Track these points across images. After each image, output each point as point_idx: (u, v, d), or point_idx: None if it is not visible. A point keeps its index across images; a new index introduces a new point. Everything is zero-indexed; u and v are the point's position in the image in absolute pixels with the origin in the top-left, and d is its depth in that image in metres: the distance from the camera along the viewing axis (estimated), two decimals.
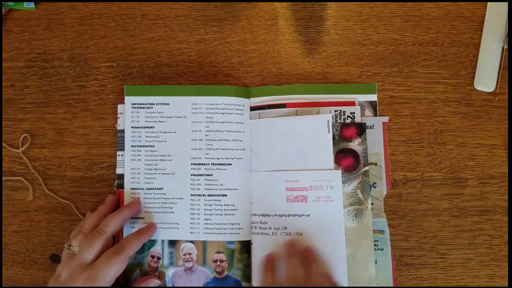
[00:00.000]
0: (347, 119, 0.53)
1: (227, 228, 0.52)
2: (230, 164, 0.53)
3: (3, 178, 0.55)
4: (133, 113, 0.54)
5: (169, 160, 0.53)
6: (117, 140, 0.54)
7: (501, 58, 0.55)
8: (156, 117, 0.54)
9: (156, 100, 0.54)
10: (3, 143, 0.55)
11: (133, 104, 0.54)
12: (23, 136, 0.55)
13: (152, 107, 0.54)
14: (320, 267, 0.48)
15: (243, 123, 0.54)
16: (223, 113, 0.53)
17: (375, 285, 0.50)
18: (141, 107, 0.54)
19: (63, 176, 0.54)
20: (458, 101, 0.54)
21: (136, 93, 0.54)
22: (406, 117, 0.54)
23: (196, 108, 0.54)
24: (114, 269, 0.46)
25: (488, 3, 0.56)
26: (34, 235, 0.54)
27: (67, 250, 0.47)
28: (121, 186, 0.53)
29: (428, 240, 0.52)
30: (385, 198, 0.52)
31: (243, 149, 0.53)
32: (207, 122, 0.53)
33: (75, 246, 0.47)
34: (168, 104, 0.54)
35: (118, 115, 0.55)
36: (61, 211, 0.54)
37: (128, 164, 0.53)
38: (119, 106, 0.55)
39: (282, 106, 0.54)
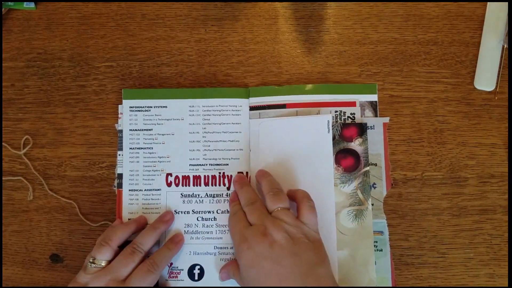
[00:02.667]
0: (347, 119, 0.53)
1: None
2: (227, 165, 0.53)
3: (3, 178, 0.55)
4: (131, 115, 0.54)
5: (167, 161, 0.53)
6: (118, 140, 0.54)
7: (501, 57, 0.54)
8: (154, 119, 0.54)
9: (154, 103, 0.54)
10: (4, 144, 0.55)
11: (131, 107, 0.54)
12: (25, 137, 0.55)
13: (150, 110, 0.54)
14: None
15: (240, 123, 0.54)
16: (220, 115, 0.54)
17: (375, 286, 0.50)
18: (139, 110, 0.54)
19: (63, 176, 0.55)
20: (458, 100, 0.54)
21: (133, 96, 0.54)
22: (406, 116, 0.54)
23: (193, 111, 0.54)
24: (147, 284, 0.46)
25: (488, 2, 0.55)
26: (34, 235, 0.54)
27: (91, 264, 0.46)
28: (121, 185, 0.53)
29: (428, 239, 0.52)
30: (385, 198, 0.52)
31: (240, 149, 0.53)
32: (204, 124, 0.53)
33: (101, 260, 0.46)
34: (165, 107, 0.54)
35: (119, 115, 0.55)
36: (61, 211, 0.54)
37: (126, 166, 0.53)
38: (120, 107, 0.55)
39: (283, 106, 0.54)
